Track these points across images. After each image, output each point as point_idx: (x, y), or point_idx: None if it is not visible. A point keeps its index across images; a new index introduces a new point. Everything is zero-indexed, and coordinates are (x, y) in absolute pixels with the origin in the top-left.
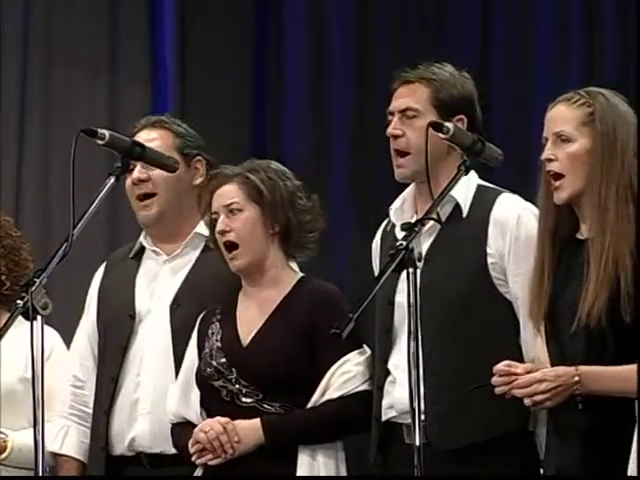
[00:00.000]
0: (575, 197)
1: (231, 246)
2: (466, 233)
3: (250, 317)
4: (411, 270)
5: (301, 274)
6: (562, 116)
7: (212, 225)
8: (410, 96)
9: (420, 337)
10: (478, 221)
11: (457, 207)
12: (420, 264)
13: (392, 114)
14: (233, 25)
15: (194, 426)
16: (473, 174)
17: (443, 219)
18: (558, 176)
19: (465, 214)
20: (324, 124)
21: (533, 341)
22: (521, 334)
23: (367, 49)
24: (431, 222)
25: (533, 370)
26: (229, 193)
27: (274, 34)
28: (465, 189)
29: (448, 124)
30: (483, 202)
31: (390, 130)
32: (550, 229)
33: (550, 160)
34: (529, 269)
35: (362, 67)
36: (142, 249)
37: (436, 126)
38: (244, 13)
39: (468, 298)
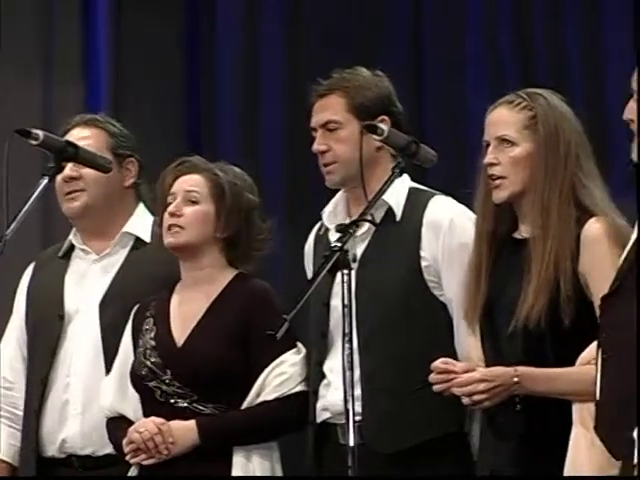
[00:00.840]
0: (514, 197)
1: (176, 228)
2: (400, 237)
3: (184, 315)
4: (345, 271)
5: (237, 271)
6: (504, 120)
7: (164, 205)
8: (327, 109)
9: (356, 340)
10: (411, 224)
11: (390, 211)
12: (355, 265)
13: (315, 130)
14: (167, 25)
15: (130, 422)
16: (405, 176)
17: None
18: (499, 178)
19: (398, 218)
20: (257, 125)
21: (467, 343)
22: (455, 336)
23: (300, 53)
24: (365, 226)
25: (471, 369)
26: (194, 181)
27: (207, 35)
28: (397, 192)
29: (382, 126)
30: (416, 205)
31: (315, 147)
32: (488, 230)
33: (492, 164)
34: (463, 272)
35: (295, 71)
36: (71, 248)
37: (370, 128)
38: (178, 13)
39: (403, 301)
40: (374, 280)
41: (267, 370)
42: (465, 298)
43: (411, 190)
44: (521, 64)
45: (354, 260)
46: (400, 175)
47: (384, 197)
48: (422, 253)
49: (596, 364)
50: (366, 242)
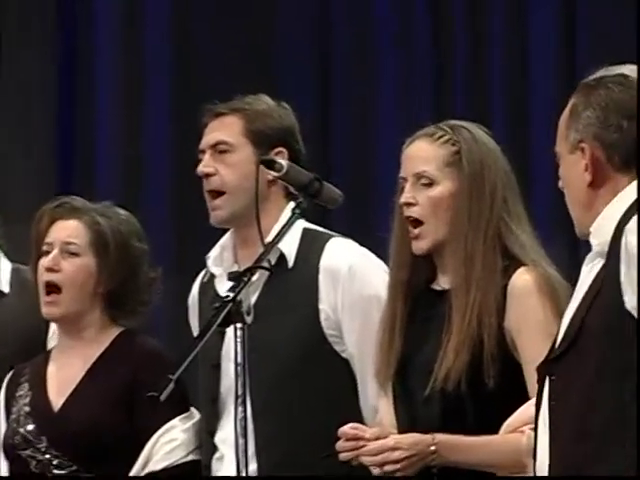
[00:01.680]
0: (436, 246)
1: (53, 287)
2: (294, 286)
3: (63, 379)
4: (239, 325)
5: (121, 328)
6: (423, 155)
7: (39, 253)
8: (221, 129)
9: (250, 405)
10: (307, 272)
11: (282, 256)
12: (249, 318)
13: (203, 152)
14: (38, 40)
15: None
16: None
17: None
18: (418, 223)
19: (291, 264)
20: (139, 159)
21: (373, 404)
22: (360, 398)
23: (189, 75)
24: (256, 274)
25: (382, 436)
26: (72, 230)
27: (83, 50)
28: (289, 235)
29: (282, 161)
30: (311, 249)
31: (201, 168)
32: (403, 280)
33: (410, 204)
34: (367, 323)
35: (183, 96)
36: None
37: (267, 163)
38: (49, 18)
39: (300, 359)
40: (267, 336)
41: (155, 436)
42: (377, 355)
43: (305, 232)
44: (438, 95)
45: (248, 312)
46: (301, 217)
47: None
48: (320, 305)
49: (535, 434)
50: (257, 293)
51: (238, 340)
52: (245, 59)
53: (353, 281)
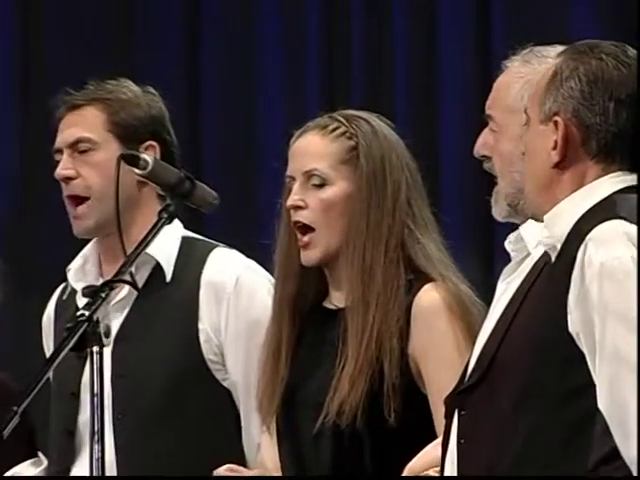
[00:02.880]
0: (329, 257)
1: None
2: (171, 303)
3: None
4: (95, 349)
5: None
6: (314, 150)
7: None
8: (80, 124)
9: (112, 441)
10: (186, 286)
11: (157, 269)
12: (108, 341)
13: (60, 151)
14: None
15: None
16: (176, 223)
17: (140, 285)
18: (307, 229)
19: (168, 278)
20: None
21: (258, 442)
22: (243, 434)
23: (35, 58)
24: (125, 290)
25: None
26: None
27: None
28: (166, 244)
29: (146, 156)
30: (191, 260)
31: (59, 171)
32: (290, 295)
33: (298, 208)
34: (254, 347)
35: (28, 81)
36: None
37: (130, 159)
38: None
39: (174, 389)
40: (136, 361)
41: None
42: (259, 384)
43: (185, 241)
44: (331, 80)
45: (107, 334)
46: (170, 222)
47: (149, 251)
48: (200, 324)
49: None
50: (126, 311)
51: (95, 366)
52: (102, 38)
53: (239, 298)
